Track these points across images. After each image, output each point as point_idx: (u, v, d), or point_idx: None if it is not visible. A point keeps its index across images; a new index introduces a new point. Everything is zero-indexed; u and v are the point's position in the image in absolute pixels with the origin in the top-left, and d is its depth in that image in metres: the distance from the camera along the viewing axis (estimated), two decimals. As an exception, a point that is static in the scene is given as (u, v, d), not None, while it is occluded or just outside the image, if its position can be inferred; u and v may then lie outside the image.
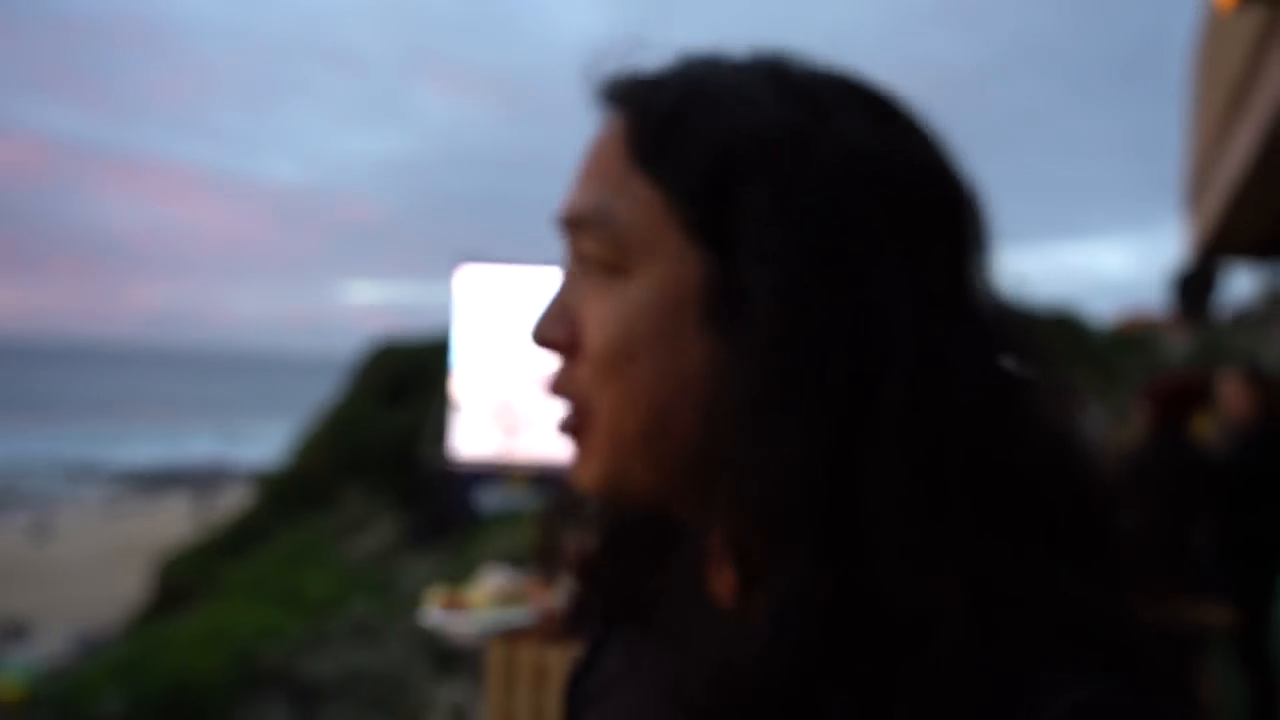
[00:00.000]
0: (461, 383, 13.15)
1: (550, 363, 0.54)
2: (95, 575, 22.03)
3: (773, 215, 0.48)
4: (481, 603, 1.32)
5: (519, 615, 1.26)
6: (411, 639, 11.09)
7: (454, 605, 1.35)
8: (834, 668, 0.45)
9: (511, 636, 1.20)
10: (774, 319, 0.47)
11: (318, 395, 21.33)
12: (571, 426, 0.54)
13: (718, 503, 0.49)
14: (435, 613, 1.32)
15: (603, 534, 0.63)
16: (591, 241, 0.52)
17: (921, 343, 0.47)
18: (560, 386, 0.54)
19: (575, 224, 0.53)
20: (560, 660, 2.89)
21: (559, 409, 0.54)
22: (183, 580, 15.98)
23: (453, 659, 10.40)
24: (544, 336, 0.54)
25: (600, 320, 0.52)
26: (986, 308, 0.52)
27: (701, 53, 0.55)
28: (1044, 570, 0.47)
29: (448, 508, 13.60)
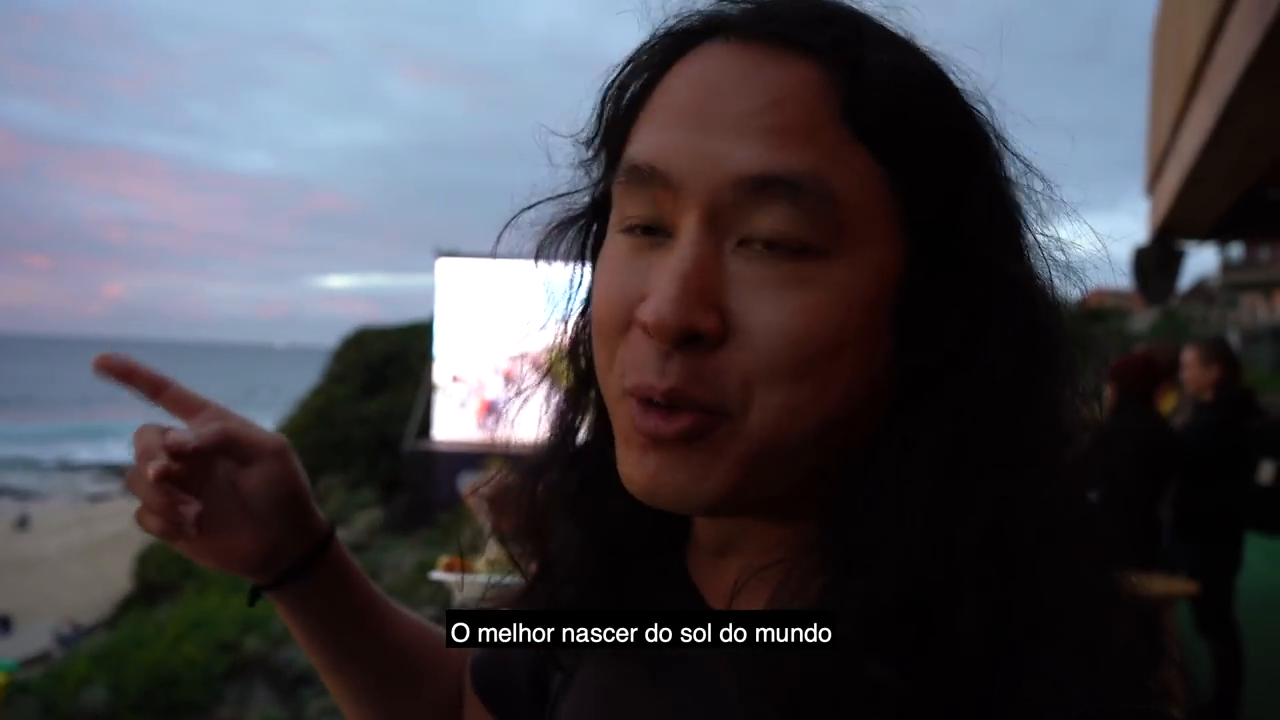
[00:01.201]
0: (440, 370, 13.10)
1: (666, 353, 0.45)
2: (78, 567, 21.90)
3: (991, 217, 0.47)
4: (484, 568, 1.38)
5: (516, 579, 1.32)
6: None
7: (457, 568, 1.43)
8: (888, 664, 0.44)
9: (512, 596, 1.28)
10: (961, 330, 0.47)
11: (297, 385, 21.22)
12: (696, 429, 0.45)
13: (834, 525, 0.47)
14: (439, 573, 1.39)
15: (580, 524, 0.58)
16: (790, 211, 0.43)
17: (1031, 316, 0.48)
18: (690, 383, 0.45)
19: (770, 186, 0.43)
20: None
21: (680, 409, 0.45)
22: (164, 572, 15.91)
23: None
24: (685, 323, 0.44)
25: (792, 310, 0.44)
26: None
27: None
28: (1049, 563, 0.45)
29: (429, 494, 13.61)
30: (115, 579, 18.48)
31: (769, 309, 0.44)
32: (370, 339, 19.69)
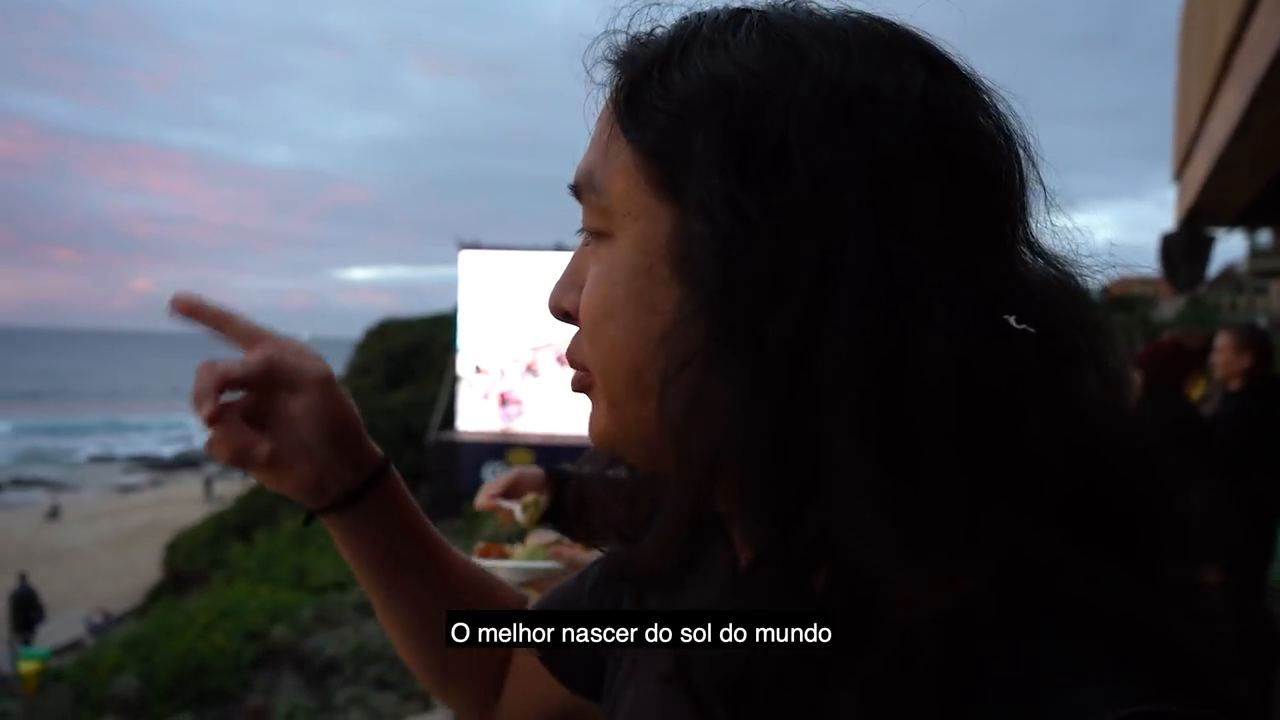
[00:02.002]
0: (463, 361, 13.16)
1: (566, 332, 0.55)
2: (108, 557, 22.23)
3: (717, 164, 0.45)
4: (522, 554, 1.41)
5: (550, 565, 1.34)
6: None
7: (492, 554, 1.44)
8: (806, 652, 0.44)
9: (541, 584, 1.27)
10: (715, 272, 0.45)
11: (322, 377, 21.35)
12: (580, 388, 0.54)
13: (670, 465, 0.48)
14: (474, 559, 1.40)
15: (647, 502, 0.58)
16: (585, 208, 0.52)
17: (883, 298, 0.43)
18: (571, 352, 0.54)
19: (575, 193, 0.53)
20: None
21: (572, 373, 0.55)
22: (193, 561, 16.12)
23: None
24: (555, 305, 0.55)
25: (590, 283, 0.52)
26: (1014, 273, 0.48)
27: (708, 9, 0.51)
28: (1059, 554, 0.44)
29: (454, 485, 13.70)
30: (145, 569, 18.76)
31: (585, 287, 0.52)
32: (393, 331, 19.82)
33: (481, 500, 1.52)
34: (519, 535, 1.49)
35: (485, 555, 1.40)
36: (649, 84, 0.49)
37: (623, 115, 0.50)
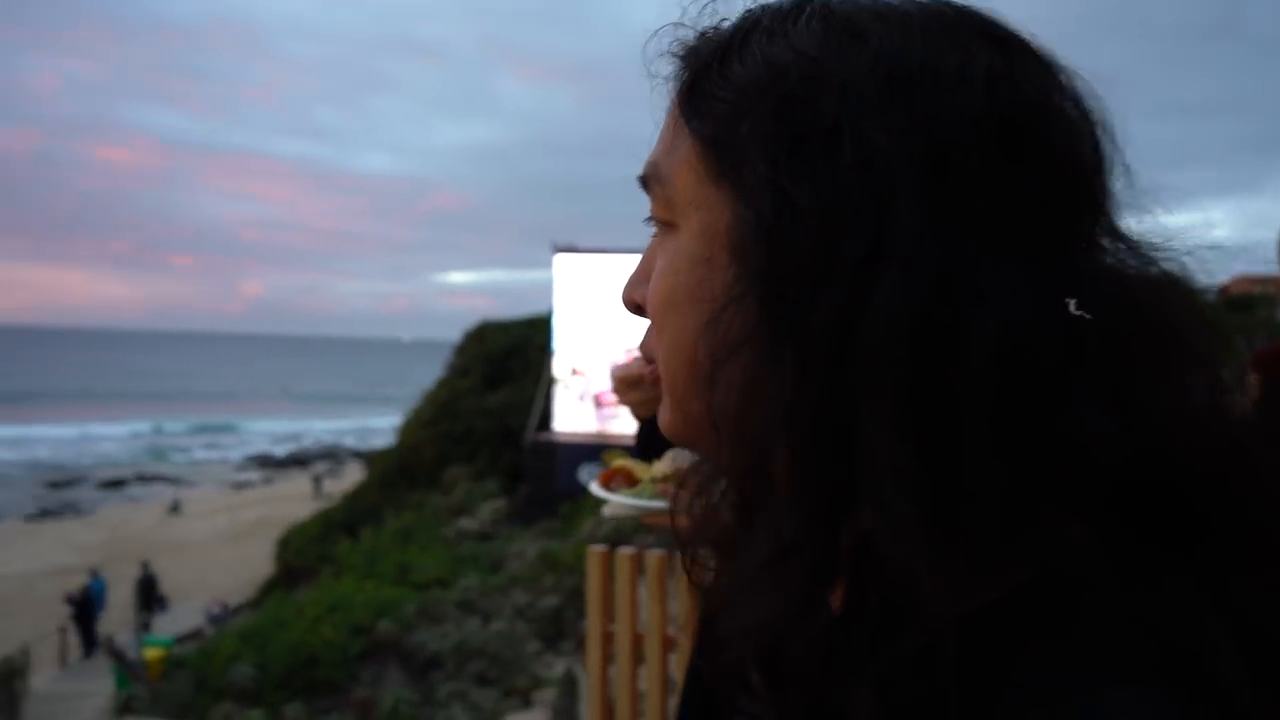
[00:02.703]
0: (559, 363, 13.32)
1: (641, 326, 0.55)
2: (226, 551, 23.25)
3: (768, 150, 0.45)
4: (647, 489, 1.31)
5: (661, 504, 1.23)
6: (521, 615, 11.38)
7: (617, 479, 1.34)
8: (832, 642, 0.44)
9: (651, 519, 1.21)
10: (761, 259, 0.45)
11: (422, 378, 21.94)
12: (655, 376, 0.54)
13: (720, 454, 0.48)
14: (595, 487, 1.31)
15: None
16: (652, 200, 0.53)
17: (929, 286, 0.42)
18: (644, 346, 0.55)
19: (643, 185, 0.54)
20: (655, 559, 3.00)
21: (650, 362, 0.55)
22: (303, 556, 16.73)
23: (562, 633, 10.63)
24: (627, 298, 0.56)
25: (656, 275, 0.52)
26: (1089, 264, 0.45)
27: (773, 1, 0.51)
28: (1101, 555, 0.42)
29: (550, 485, 13.88)
30: (258, 562, 19.55)
31: (652, 279, 0.53)
32: (491, 333, 20.20)
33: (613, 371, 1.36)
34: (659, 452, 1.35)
35: (610, 480, 1.32)
36: (710, 75, 0.49)
37: (685, 106, 0.51)
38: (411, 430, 18.91)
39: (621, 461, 1.36)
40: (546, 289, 12.54)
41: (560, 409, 12.46)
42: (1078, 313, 0.43)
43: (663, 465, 1.33)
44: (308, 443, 51.69)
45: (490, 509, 15.44)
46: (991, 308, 0.41)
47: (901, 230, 0.42)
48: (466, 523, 15.09)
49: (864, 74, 0.44)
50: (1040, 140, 0.44)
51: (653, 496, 1.30)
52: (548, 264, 12.37)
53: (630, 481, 1.35)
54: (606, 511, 1.20)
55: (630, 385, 1.36)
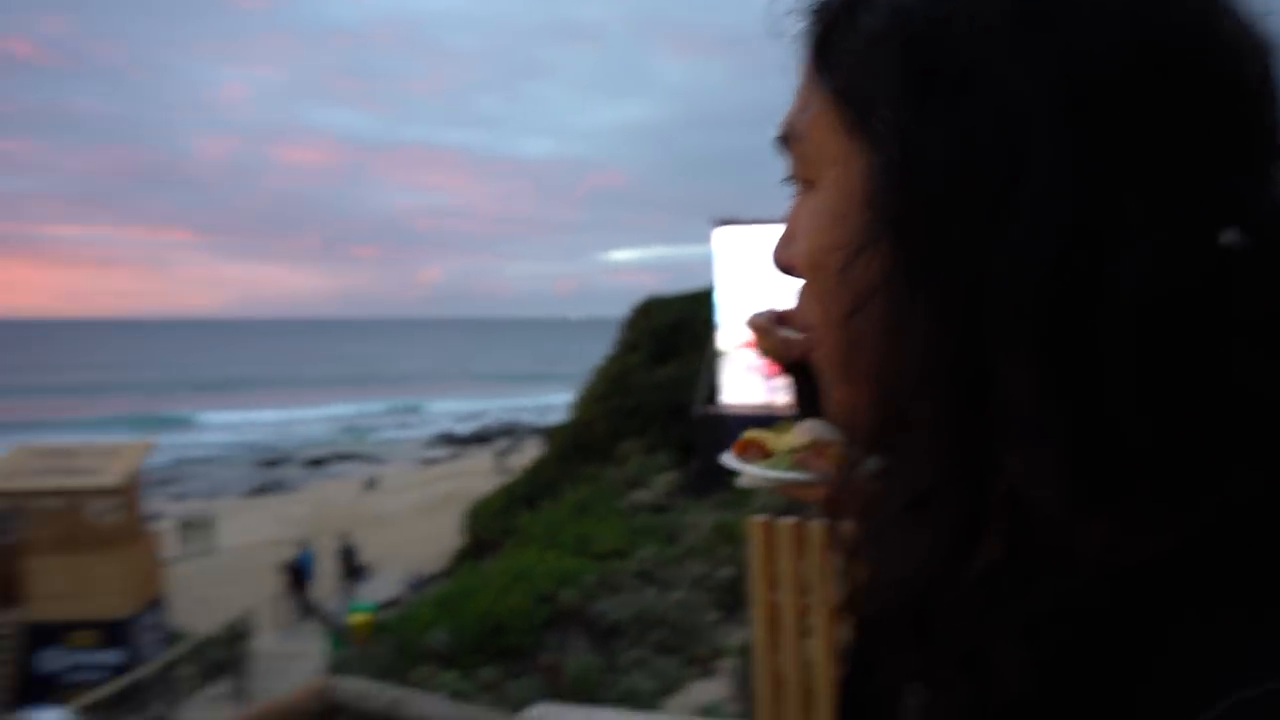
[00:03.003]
0: (724, 336, 13.32)
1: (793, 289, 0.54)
2: (417, 523, 24.67)
3: (897, 96, 0.43)
4: (783, 460, 1.27)
5: (797, 476, 1.19)
6: (699, 585, 11.56)
7: (752, 451, 1.32)
8: (973, 600, 0.42)
9: (788, 489, 1.16)
10: (892, 206, 0.44)
11: (592, 355, 22.47)
12: (808, 347, 0.53)
13: (856, 407, 0.48)
14: (728, 458, 1.28)
15: None
16: (792, 159, 0.52)
17: (1068, 228, 0.39)
18: (798, 311, 0.54)
19: (782, 144, 0.53)
20: (817, 530, 2.94)
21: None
22: (488, 529, 17.54)
23: (739, 603, 10.73)
24: (778, 259, 0.55)
25: (799, 235, 0.52)
26: (1259, 203, 0.42)
27: None
28: (1270, 513, 0.39)
29: (720, 458, 13.91)
30: (446, 534, 20.62)
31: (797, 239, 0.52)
32: (657, 309, 20.40)
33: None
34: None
35: (744, 451, 1.29)
36: (838, 27, 0.48)
37: (816, 61, 0.50)
38: (585, 406, 19.40)
39: (754, 433, 1.34)
40: (708, 262, 12.56)
41: (727, 381, 12.51)
42: (1237, 244, 0.40)
43: (797, 436, 1.30)
44: (488, 420, 54.04)
45: (663, 481, 15.66)
46: (1136, 247, 0.39)
47: (1037, 171, 0.40)
48: (641, 495, 15.39)
49: (993, 8, 0.42)
50: (1194, 67, 0.41)
51: (790, 468, 1.27)
52: (708, 238, 12.38)
53: (763, 453, 1.33)
54: (742, 483, 1.20)
55: (764, 332, 1.34)
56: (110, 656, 12.85)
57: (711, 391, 13.33)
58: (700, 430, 14.24)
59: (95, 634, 12.95)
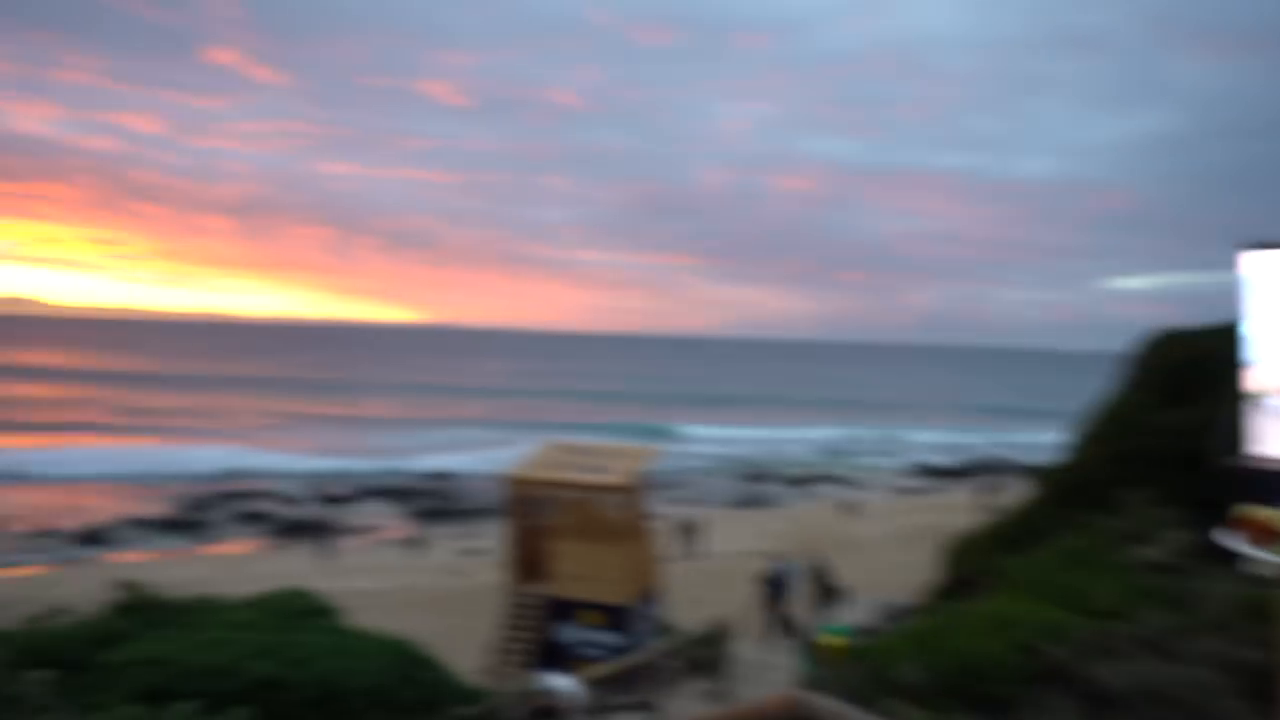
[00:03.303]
0: (1256, 376, 11.50)
1: None
2: (891, 552, 24.55)
3: None
4: None
5: None
6: (1217, 665, 10.04)
7: (1264, 533, 1.21)
8: None
9: None
10: None
11: (1086, 391, 20.68)
12: None
13: None
14: (1238, 539, 1.16)
15: None
16: None
17: None
18: None
19: None
20: None
21: None
22: (969, 567, 16.90)
23: (1268, 693, 9.13)
24: None
25: None
26: None
27: None
28: None
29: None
30: (921, 566, 20.23)
31: None
32: (1173, 343, 18.19)
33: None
34: None
35: (1256, 535, 1.15)
36: None
37: None
38: (1082, 447, 17.90)
39: (1254, 512, 1.18)
40: (1230, 292, 10.92)
41: (1257, 430, 10.73)
42: None
43: None
44: (969, 454, 52.03)
45: (1173, 539, 13.90)
46: None
47: None
48: (1145, 551, 13.80)
49: None
50: None
51: None
52: (1233, 263, 10.78)
53: (1270, 535, 1.18)
54: (1268, 573, 1.09)
55: None
56: (612, 638, 14.59)
57: (1236, 440, 11.53)
58: (1221, 484, 12.38)
59: (601, 615, 14.79)
